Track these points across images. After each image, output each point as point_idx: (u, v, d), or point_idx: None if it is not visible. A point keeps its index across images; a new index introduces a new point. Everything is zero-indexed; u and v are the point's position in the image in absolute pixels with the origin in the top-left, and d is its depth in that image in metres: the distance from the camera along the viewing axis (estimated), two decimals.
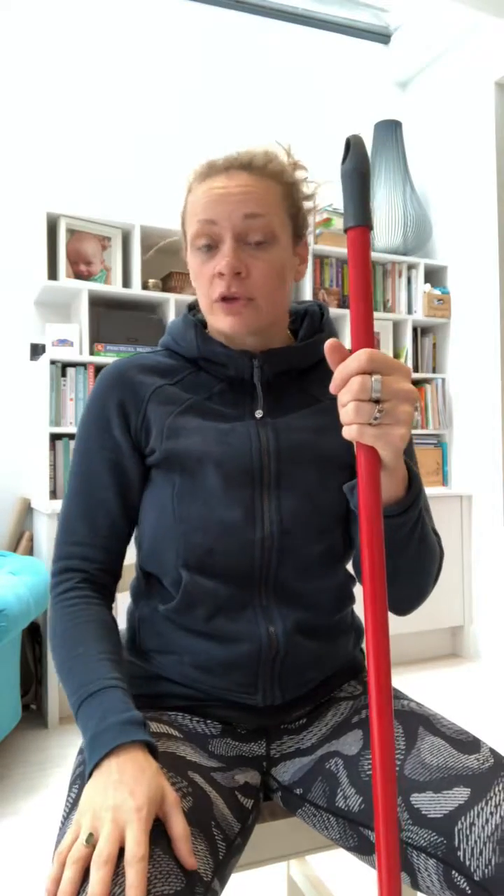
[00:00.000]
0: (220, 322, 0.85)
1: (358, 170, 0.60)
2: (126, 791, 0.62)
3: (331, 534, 0.87)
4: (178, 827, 0.62)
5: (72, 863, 0.60)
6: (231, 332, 0.85)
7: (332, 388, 0.63)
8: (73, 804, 0.73)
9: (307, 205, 0.91)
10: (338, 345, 0.64)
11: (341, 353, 0.63)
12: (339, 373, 0.62)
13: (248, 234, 0.83)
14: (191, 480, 0.84)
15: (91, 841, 0.60)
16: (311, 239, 3.11)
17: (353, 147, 0.60)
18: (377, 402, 0.61)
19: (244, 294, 0.83)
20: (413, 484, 0.74)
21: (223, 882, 0.68)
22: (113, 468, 0.87)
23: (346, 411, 0.61)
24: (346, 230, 0.61)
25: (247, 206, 0.82)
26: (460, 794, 0.69)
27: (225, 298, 0.83)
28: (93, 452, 0.88)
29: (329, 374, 0.93)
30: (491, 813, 0.67)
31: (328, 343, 0.64)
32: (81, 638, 0.79)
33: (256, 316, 0.85)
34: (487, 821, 0.66)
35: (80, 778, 0.75)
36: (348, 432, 0.62)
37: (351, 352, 0.62)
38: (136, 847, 0.58)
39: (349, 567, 0.94)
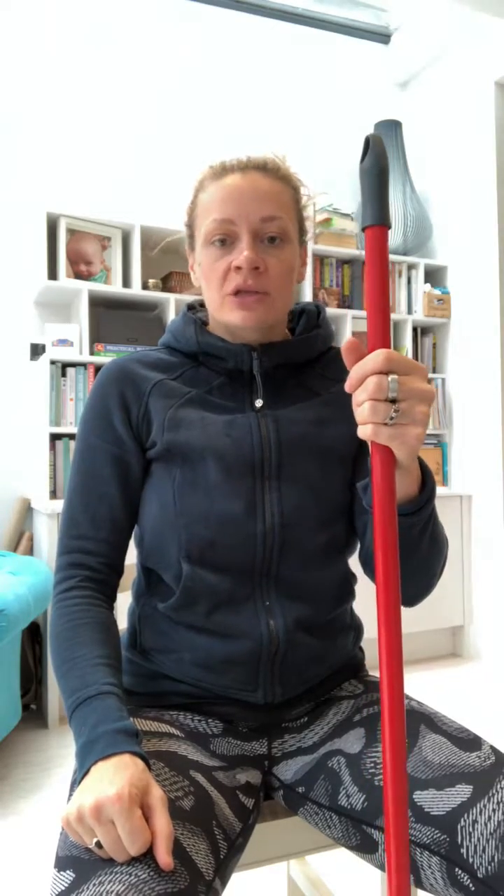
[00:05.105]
0: (231, 316, 0.86)
1: (376, 168, 0.60)
2: (106, 783, 0.62)
3: (332, 526, 0.88)
4: (161, 824, 0.61)
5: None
6: (242, 325, 0.86)
7: (347, 387, 0.62)
8: None
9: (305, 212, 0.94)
10: (356, 344, 0.63)
11: (358, 353, 0.63)
12: (355, 372, 0.62)
13: (264, 233, 0.85)
14: (192, 473, 0.84)
15: (101, 845, 0.61)
16: (310, 239, 3.12)
17: (372, 145, 0.60)
18: (393, 401, 0.60)
19: (260, 288, 0.84)
20: (427, 483, 0.74)
21: (224, 881, 0.68)
22: (114, 462, 0.88)
23: (362, 411, 0.61)
24: (363, 229, 0.61)
25: (264, 207, 0.84)
26: (463, 792, 0.69)
27: (239, 293, 0.84)
28: (94, 446, 0.88)
29: (326, 369, 0.96)
30: (493, 810, 0.67)
31: (346, 342, 0.63)
32: (80, 640, 0.79)
33: (268, 311, 0.86)
34: (490, 818, 0.66)
35: None
36: (363, 432, 0.61)
37: (368, 352, 0.62)
38: (129, 839, 0.60)
39: (357, 561, 0.93)
